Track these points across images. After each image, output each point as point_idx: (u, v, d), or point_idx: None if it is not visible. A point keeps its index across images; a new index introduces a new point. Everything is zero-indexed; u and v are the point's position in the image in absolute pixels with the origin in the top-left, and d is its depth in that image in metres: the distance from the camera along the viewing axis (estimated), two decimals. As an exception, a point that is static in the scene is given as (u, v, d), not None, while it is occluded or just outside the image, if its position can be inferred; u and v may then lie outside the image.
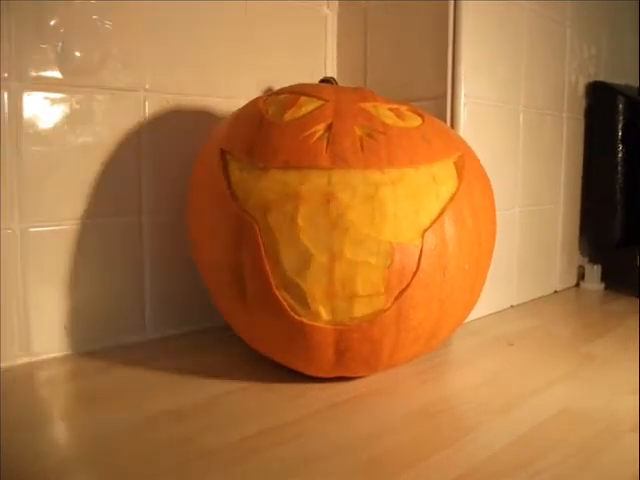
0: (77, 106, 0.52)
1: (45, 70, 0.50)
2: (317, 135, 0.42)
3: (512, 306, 0.72)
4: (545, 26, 0.72)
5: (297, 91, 0.47)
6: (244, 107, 0.49)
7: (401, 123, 0.45)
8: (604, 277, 0.83)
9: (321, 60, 0.71)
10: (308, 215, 0.40)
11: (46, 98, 0.51)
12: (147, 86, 0.56)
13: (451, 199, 0.44)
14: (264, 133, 0.44)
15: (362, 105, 0.45)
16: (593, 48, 0.83)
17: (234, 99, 0.62)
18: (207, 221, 0.46)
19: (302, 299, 0.41)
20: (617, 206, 0.78)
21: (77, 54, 0.52)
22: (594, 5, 0.81)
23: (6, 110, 0.48)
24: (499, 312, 0.70)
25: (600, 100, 0.81)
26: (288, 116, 0.44)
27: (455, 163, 0.46)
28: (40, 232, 0.51)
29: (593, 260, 0.86)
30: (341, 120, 0.43)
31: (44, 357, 0.52)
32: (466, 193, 0.45)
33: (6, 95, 0.48)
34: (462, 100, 0.60)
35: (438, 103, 0.61)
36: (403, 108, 0.47)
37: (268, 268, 0.41)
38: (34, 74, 0.50)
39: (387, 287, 0.41)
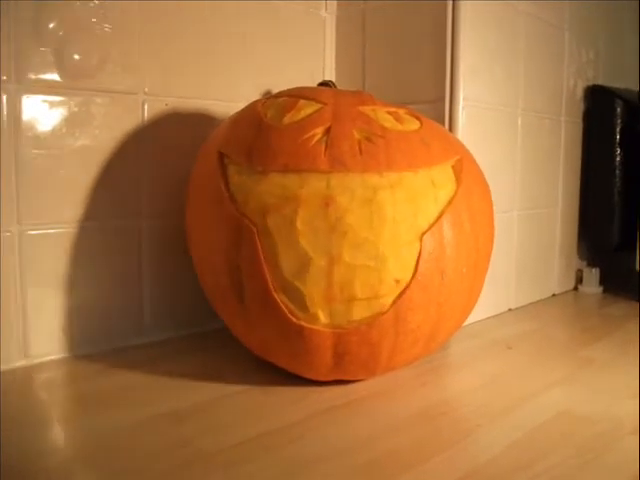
0: (76, 109, 0.52)
1: (44, 73, 0.50)
2: (316, 138, 0.43)
3: (510, 309, 0.72)
4: (543, 29, 0.73)
5: (296, 94, 0.47)
6: (243, 110, 0.49)
7: (400, 126, 0.45)
8: (602, 280, 0.83)
9: (320, 63, 0.72)
10: (307, 218, 0.40)
11: (45, 101, 0.51)
12: (146, 89, 0.56)
13: (449, 203, 0.44)
14: (263, 136, 0.44)
15: (361, 108, 0.45)
16: (591, 52, 0.83)
17: (233, 102, 0.62)
18: (205, 224, 0.46)
19: (301, 302, 0.41)
20: (615, 209, 0.79)
21: (76, 57, 0.52)
22: (593, 8, 0.81)
23: (5, 113, 0.48)
24: (497, 315, 0.70)
25: (598, 104, 0.81)
26: (287, 119, 0.44)
27: (453, 167, 0.46)
28: (39, 235, 0.51)
29: (591, 263, 0.86)
30: (340, 123, 0.43)
31: (43, 360, 0.52)
32: (464, 196, 0.45)
33: (5, 98, 0.48)
34: (460, 103, 0.60)
35: (436, 106, 0.61)
36: (401, 111, 0.47)
37: (267, 271, 0.41)
38: (33, 77, 0.50)
39: (385, 290, 0.41)
